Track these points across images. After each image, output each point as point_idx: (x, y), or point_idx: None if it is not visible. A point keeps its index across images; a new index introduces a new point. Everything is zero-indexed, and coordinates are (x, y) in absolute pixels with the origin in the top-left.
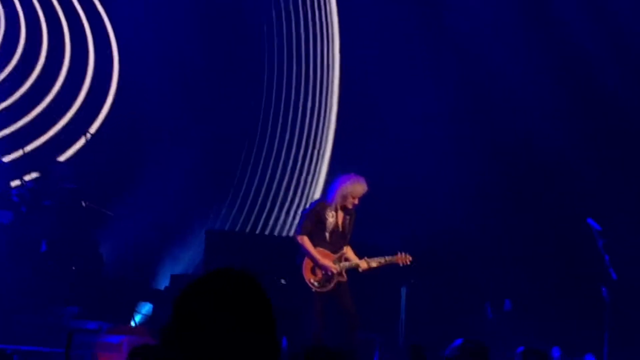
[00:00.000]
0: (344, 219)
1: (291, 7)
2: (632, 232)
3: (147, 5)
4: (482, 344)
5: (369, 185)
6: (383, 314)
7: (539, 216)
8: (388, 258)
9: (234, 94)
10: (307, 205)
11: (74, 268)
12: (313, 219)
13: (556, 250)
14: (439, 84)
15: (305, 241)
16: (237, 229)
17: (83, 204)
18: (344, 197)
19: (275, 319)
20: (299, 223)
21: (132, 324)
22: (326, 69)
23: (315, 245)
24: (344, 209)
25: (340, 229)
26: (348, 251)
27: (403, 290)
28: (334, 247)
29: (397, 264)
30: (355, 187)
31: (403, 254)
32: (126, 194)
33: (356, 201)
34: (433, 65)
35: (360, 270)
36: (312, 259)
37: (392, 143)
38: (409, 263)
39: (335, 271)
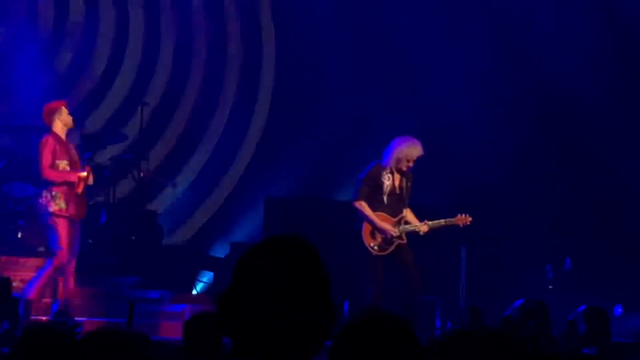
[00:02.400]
0: (401, 181)
1: None
2: None
3: None
4: (543, 303)
5: (424, 148)
6: (443, 276)
7: (592, 173)
8: (448, 220)
9: None
10: (363, 169)
11: (133, 238)
12: (370, 183)
13: (613, 209)
14: (477, 45)
15: (364, 206)
16: (296, 195)
17: (141, 174)
18: (399, 160)
19: (329, 288)
20: (356, 188)
21: (194, 292)
22: None
23: (373, 209)
24: (400, 171)
25: (398, 191)
26: (408, 214)
27: (463, 251)
28: (393, 210)
29: (458, 225)
30: (410, 150)
31: (463, 215)
32: (183, 163)
33: (411, 164)
34: (470, 25)
35: (421, 233)
36: (372, 223)
37: (432, 104)
38: (469, 223)
39: (395, 234)
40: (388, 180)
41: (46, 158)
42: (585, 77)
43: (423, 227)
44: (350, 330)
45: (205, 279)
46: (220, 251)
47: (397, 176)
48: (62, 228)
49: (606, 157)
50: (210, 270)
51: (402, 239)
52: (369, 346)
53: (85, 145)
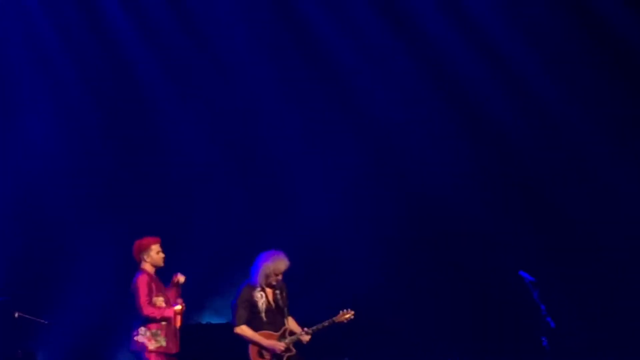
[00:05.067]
0: (274, 294)
1: None
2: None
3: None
4: None
5: (289, 259)
6: None
7: (470, 273)
8: (330, 320)
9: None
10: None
11: None
12: (245, 305)
13: (493, 307)
14: (339, 144)
15: (245, 330)
16: None
17: (16, 315)
18: (267, 276)
19: None
20: (233, 315)
21: None
22: None
23: (255, 329)
24: (271, 285)
25: (274, 305)
26: (291, 324)
27: None
28: (274, 325)
29: (342, 322)
30: (276, 264)
31: (344, 310)
32: (57, 299)
33: (280, 277)
34: (330, 127)
35: (304, 342)
36: (257, 344)
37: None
38: (352, 317)
39: (282, 348)
40: (262, 298)
41: (144, 296)
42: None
43: (305, 337)
44: None
45: None
46: None
47: (269, 291)
48: None
49: (477, 253)
50: None
51: (291, 351)
52: None
53: None
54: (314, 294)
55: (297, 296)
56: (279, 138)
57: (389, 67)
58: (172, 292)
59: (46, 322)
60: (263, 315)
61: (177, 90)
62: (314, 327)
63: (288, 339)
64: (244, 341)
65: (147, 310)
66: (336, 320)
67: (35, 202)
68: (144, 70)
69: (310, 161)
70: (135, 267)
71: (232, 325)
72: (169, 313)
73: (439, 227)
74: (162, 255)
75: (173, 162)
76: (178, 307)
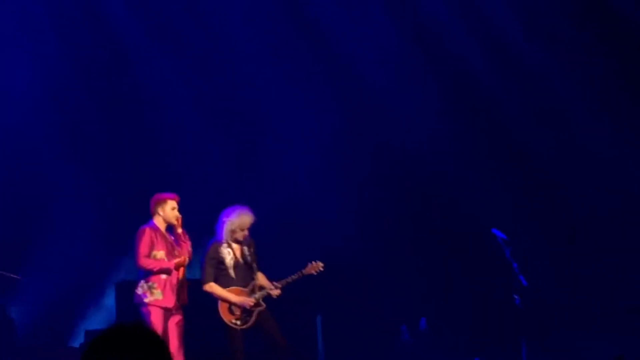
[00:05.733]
0: (242, 250)
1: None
2: (534, 239)
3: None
4: None
5: (254, 213)
6: (300, 345)
7: (443, 231)
8: (299, 272)
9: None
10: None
11: None
12: (212, 262)
13: (465, 264)
14: (319, 104)
15: (213, 287)
16: None
17: None
18: (233, 232)
19: None
20: (202, 272)
21: None
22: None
23: (224, 286)
24: (238, 241)
25: (242, 261)
26: (261, 279)
27: (319, 321)
28: (243, 281)
29: (312, 274)
30: (241, 219)
31: (313, 262)
32: (32, 255)
33: (246, 232)
34: (311, 86)
35: (274, 296)
36: (226, 301)
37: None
38: (322, 269)
39: (251, 303)
40: (229, 254)
41: (143, 249)
42: (433, 129)
43: (275, 292)
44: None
45: None
46: (75, 340)
47: (236, 247)
48: (156, 318)
49: (450, 211)
50: None
51: (261, 305)
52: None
53: None
54: (288, 249)
55: (272, 251)
56: (258, 94)
57: (370, 25)
58: (183, 249)
59: (19, 278)
60: (231, 271)
61: (156, 43)
62: (283, 281)
63: (257, 294)
64: (214, 298)
65: (142, 262)
66: (305, 273)
67: (10, 158)
68: (122, 19)
69: (289, 117)
70: (111, 225)
71: (200, 282)
72: (168, 265)
73: (414, 184)
74: (176, 213)
75: (152, 116)
76: (178, 260)
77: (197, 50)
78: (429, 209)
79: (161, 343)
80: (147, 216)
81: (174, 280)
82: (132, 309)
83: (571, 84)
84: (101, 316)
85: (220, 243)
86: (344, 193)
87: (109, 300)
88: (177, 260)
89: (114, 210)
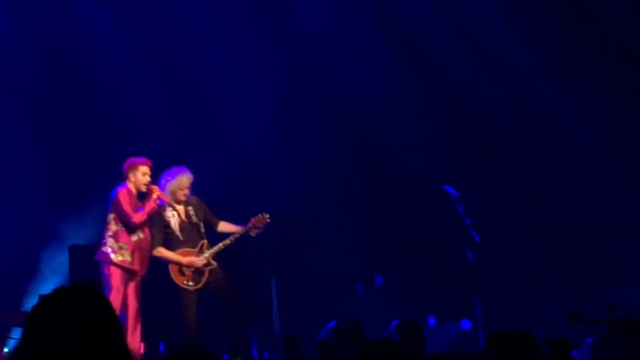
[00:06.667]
0: (186, 211)
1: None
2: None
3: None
4: (355, 322)
5: (192, 172)
6: (257, 307)
7: (396, 188)
8: (246, 227)
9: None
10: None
11: None
12: (159, 227)
13: (419, 221)
14: (266, 61)
15: (162, 251)
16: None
17: None
18: (174, 193)
19: (122, 333)
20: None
21: (5, 350)
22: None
23: (173, 248)
24: (180, 202)
25: (187, 221)
26: (225, 226)
27: (273, 281)
28: (191, 242)
29: (260, 227)
30: (179, 180)
31: (258, 215)
32: None
33: (186, 192)
34: (257, 43)
35: (225, 245)
36: (176, 263)
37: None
38: (268, 221)
39: (201, 263)
40: (174, 217)
41: (127, 207)
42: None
43: (225, 241)
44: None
45: (17, 336)
46: (29, 304)
47: (180, 208)
48: (118, 279)
49: (402, 168)
50: (21, 326)
51: (212, 264)
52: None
53: None
54: (237, 210)
55: (220, 212)
56: (203, 53)
57: None
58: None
59: None
60: (178, 233)
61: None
62: (231, 238)
63: (207, 253)
64: (164, 262)
65: (136, 219)
66: (252, 225)
67: None
68: None
69: (235, 75)
70: (63, 189)
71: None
72: (151, 205)
73: (364, 141)
74: (147, 179)
75: (105, 79)
76: (155, 195)
77: (143, 13)
78: (381, 166)
79: (105, 302)
80: (100, 180)
81: (144, 245)
82: (86, 272)
83: (522, 41)
84: (56, 280)
85: (163, 206)
86: (294, 151)
87: (63, 264)
88: (154, 195)
89: (66, 175)
